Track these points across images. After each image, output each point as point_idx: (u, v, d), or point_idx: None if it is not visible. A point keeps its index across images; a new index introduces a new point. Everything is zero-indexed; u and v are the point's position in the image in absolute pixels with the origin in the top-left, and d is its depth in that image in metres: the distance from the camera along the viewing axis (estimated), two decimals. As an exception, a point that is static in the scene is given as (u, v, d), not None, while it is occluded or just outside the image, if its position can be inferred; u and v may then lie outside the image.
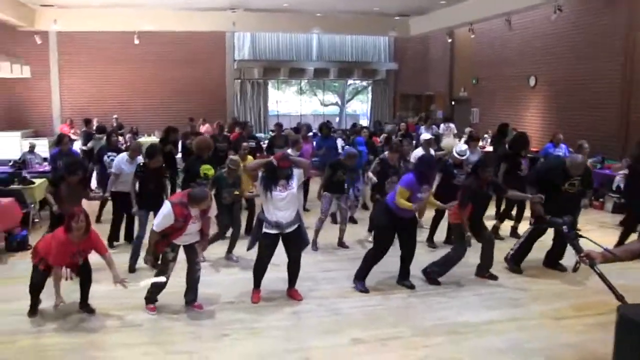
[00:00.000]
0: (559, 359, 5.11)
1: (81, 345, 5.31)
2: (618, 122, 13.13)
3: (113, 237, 8.66)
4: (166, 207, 5.78)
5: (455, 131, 15.88)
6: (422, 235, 8.62)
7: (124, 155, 8.59)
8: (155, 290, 6.09)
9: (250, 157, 8.98)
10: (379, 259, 6.84)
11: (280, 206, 6.11)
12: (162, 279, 5.98)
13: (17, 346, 5.28)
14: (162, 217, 5.76)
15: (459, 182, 8.37)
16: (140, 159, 8.34)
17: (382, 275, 7.07)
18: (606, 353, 5.06)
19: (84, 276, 6.02)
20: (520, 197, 7.73)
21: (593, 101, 13.82)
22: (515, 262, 7.62)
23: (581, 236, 4.38)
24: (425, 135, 9.89)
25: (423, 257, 7.61)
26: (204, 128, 17.17)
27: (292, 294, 6.57)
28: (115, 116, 17.96)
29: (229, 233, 8.19)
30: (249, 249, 6.53)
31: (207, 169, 8.23)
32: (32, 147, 12.55)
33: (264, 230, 6.20)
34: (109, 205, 9.23)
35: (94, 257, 6.01)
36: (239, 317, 5.99)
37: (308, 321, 5.94)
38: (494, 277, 7.23)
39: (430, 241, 8.74)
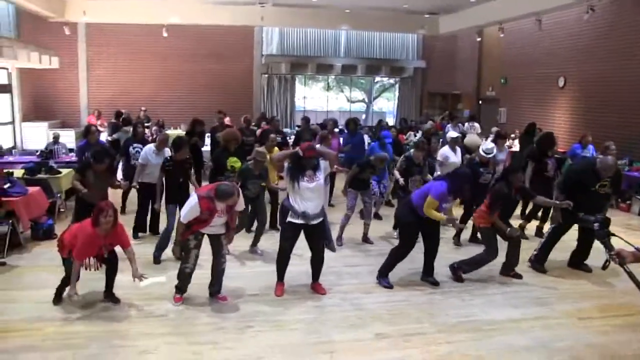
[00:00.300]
0: (584, 358, 5.08)
1: (105, 334, 5.38)
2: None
3: (138, 228, 8.75)
4: (193, 199, 5.82)
5: (480, 130, 15.78)
6: (446, 233, 8.61)
7: (151, 147, 8.65)
8: (183, 279, 6.12)
9: (277, 150, 9.03)
10: (404, 256, 6.85)
11: (307, 197, 6.12)
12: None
13: (43, 333, 5.36)
14: (189, 208, 5.81)
15: (485, 180, 8.34)
16: (167, 152, 8.41)
17: (406, 271, 7.08)
18: (632, 354, 5.07)
19: (110, 266, 6.09)
20: (549, 203, 7.68)
21: (622, 103, 13.63)
22: (539, 263, 7.59)
23: (613, 234, 4.34)
24: (452, 134, 9.84)
25: (448, 254, 7.61)
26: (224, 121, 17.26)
27: (315, 287, 6.60)
28: (143, 108, 18.12)
29: (253, 227, 8.25)
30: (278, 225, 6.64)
31: (234, 162, 8.27)
32: (56, 138, 12.67)
33: (289, 219, 6.22)
34: (133, 196, 9.34)
35: (119, 248, 6.09)
36: (262, 310, 6.03)
37: (332, 315, 5.96)
38: (519, 276, 7.20)
39: (456, 238, 8.71)
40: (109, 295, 6.14)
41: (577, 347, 5.29)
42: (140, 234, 8.75)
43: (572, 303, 6.45)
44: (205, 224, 5.89)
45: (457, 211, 9.22)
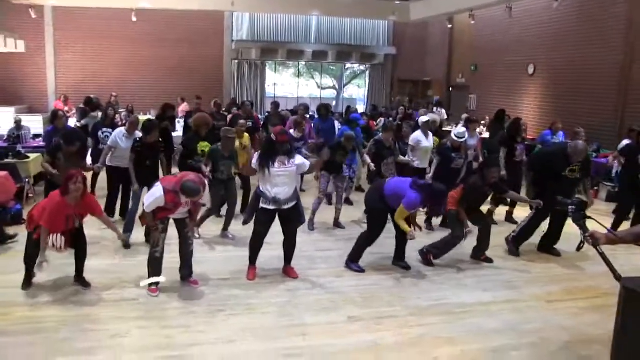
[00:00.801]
0: (553, 340, 5.14)
1: (75, 318, 5.31)
2: (615, 111, 13.15)
3: (108, 211, 8.63)
4: (158, 191, 5.69)
5: (445, 116, 15.91)
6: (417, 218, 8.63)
7: (121, 130, 8.51)
8: (155, 264, 6.00)
9: (246, 135, 8.96)
10: (373, 241, 6.86)
11: (278, 182, 6.09)
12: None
13: (13, 317, 5.27)
14: (154, 199, 5.69)
15: (457, 165, 8.39)
16: (138, 135, 8.31)
17: (377, 256, 7.08)
18: (599, 334, 5.17)
19: (80, 249, 5.99)
20: (520, 199, 7.77)
21: (590, 90, 13.84)
22: (515, 245, 7.66)
23: (589, 217, 4.41)
24: (424, 118, 9.88)
25: (420, 238, 7.60)
26: (181, 107, 17.13)
27: (288, 271, 6.58)
28: (114, 94, 17.83)
29: (223, 211, 8.18)
30: (245, 222, 6.54)
31: (204, 146, 8.20)
32: (17, 123, 12.34)
33: (261, 205, 6.18)
34: (102, 180, 9.22)
35: (88, 231, 6.00)
36: (234, 294, 6.00)
37: (304, 299, 5.94)
38: (489, 260, 7.27)
39: (428, 223, 8.74)
40: (79, 279, 6.04)
41: (547, 329, 5.35)
42: (110, 218, 8.61)
43: (541, 286, 6.53)
44: (169, 212, 5.82)
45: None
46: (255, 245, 6.44)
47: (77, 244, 5.96)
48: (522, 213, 9.09)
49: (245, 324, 5.29)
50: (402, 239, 6.93)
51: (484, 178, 7.09)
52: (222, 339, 4.97)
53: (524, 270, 7.09)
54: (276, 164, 6.07)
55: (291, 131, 9.29)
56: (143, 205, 5.92)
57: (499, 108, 13.23)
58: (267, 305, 5.72)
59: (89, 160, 9.96)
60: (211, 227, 7.98)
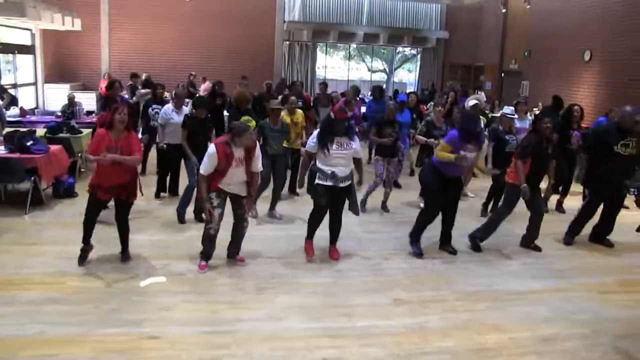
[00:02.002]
0: (605, 332, 5.02)
1: (124, 290, 5.44)
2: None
3: (160, 188, 8.79)
4: (210, 148, 5.79)
5: (485, 98, 15.67)
6: (466, 202, 8.60)
7: (169, 106, 8.60)
8: (208, 242, 6.05)
9: (299, 112, 8.97)
10: (432, 219, 6.83)
11: (336, 163, 6.13)
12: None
13: (65, 287, 5.43)
14: (207, 157, 5.76)
15: (511, 149, 8.25)
16: (186, 110, 8.40)
17: (425, 240, 6.99)
18: (653, 329, 5.05)
19: (121, 225, 6.15)
20: (551, 173, 7.43)
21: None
22: (571, 235, 7.55)
23: None
24: (471, 102, 9.80)
25: (468, 224, 7.53)
26: (203, 86, 17.23)
27: (330, 252, 6.60)
28: (193, 73, 18.13)
29: (267, 192, 8.18)
30: (300, 187, 6.78)
31: (246, 119, 8.25)
32: (70, 99, 12.57)
33: (317, 181, 6.20)
34: (152, 158, 9.38)
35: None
36: (280, 272, 6.05)
37: (350, 280, 5.96)
38: (538, 249, 7.14)
39: (484, 209, 8.72)
40: (123, 252, 6.19)
41: (599, 321, 5.23)
42: (161, 194, 8.82)
43: (594, 277, 6.39)
44: (222, 177, 5.81)
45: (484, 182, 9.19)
46: (316, 219, 6.47)
47: (120, 224, 6.12)
48: (572, 203, 8.94)
49: (291, 302, 5.33)
50: (448, 222, 6.90)
51: (537, 131, 6.92)
52: (267, 317, 5.02)
53: (575, 259, 6.95)
54: (334, 145, 6.10)
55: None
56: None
57: (552, 95, 12.91)
58: (314, 285, 5.75)
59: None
60: (259, 205, 8.02)
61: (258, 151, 6.00)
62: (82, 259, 6.00)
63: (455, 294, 5.69)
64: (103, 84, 16.27)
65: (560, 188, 9.29)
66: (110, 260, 6.11)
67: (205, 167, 5.78)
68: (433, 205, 6.80)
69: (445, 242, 6.98)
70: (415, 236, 6.86)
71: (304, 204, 7.87)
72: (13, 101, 13.18)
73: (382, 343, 4.63)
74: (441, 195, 6.70)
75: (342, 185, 6.21)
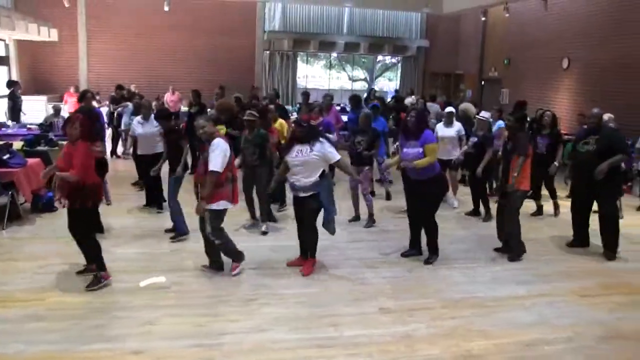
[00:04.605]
0: (587, 335, 5.06)
1: (107, 305, 5.37)
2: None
3: (150, 201, 8.77)
4: (218, 144, 5.80)
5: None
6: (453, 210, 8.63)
7: (137, 117, 8.56)
8: (232, 253, 6.16)
9: (281, 121, 8.96)
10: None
11: (294, 171, 6.13)
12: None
13: (45, 303, 5.34)
14: (219, 152, 5.76)
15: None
16: (153, 120, 8.33)
17: (404, 249, 7.02)
18: (634, 330, 5.10)
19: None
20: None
21: (627, 85, 13.54)
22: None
23: None
24: (448, 109, 9.93)
25: (453, 231, 7.57)
26: (172, 97, 17.25)
27: (301, 262, 6.50)
28: (132, 85, 17.89)
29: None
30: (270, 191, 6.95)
31: (220, 128, 8.23)
32: (57, 110, 12.50)
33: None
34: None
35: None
36: (265, 283, 6.02)
37: (336, 289, 5.94)
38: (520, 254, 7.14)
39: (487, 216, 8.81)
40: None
41: (580, 324, 5.28)
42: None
43: (575, 281, 6.43)
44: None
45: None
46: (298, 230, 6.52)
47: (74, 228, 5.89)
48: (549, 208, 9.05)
49: (277, 313, 5.30)
50: (413, 224, 6.92)
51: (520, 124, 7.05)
52: (253, 328, 4.98)
53: (556, 264, 6.99)
54: (294, 153, 6.10)
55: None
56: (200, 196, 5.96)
57: (532, 103, 13.06)
58: (299, 295, 5.73)
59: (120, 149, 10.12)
60: (243, 215, 8.00)
61: (213, 146, 5.87)
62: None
63: (440, 302, 5.69)
64: (69, 97, 16.14)
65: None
66: (90, 275, 5.98)
67: (221, 164, 5.77)
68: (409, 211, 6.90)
69: (412, 247, 7.00)
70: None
71: (290, 214, 7.90)
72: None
73: (370, 352, 4.62)
74: (408, 197, 6.82)
75: (302, 195, 6.17)
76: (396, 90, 22.69)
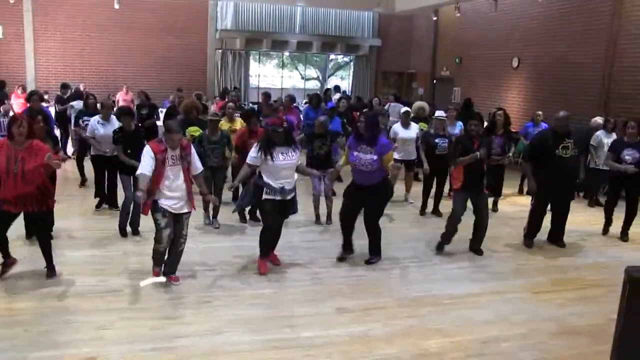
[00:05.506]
0: (542, 330, 5.15)
1: (56, 310, 5.21)
2: (598, 105, 13.17)
3: (102, 200, 8.72)
4: (145, 148, 5.68)
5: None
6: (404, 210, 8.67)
7: (96, 117, 8.38)
8: (158, 257, 5.98)
9: (240, 120, 8.89)
10: (342, 225, 6.89)
11: (283, 174, 6.09)
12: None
13: (-9, 309, 5.18)
14: (143, 157, 5.59)
15: (441, 151, 8.51)
16: (114, 121, 8.17)
17: (363, 247, 6.96)
18: (585, 325, 5.25)
19: (41, 242, 5.97)
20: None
21: (574, 84, 13.87)
22: (529, 238, 7.73)
23: None
24: (403, 109, 9.99)
25: (408, 230, 7.61)
26: (126, 96, 17.08)
27: (272, 257, 6.54)
28: (82, 85, 17.55)
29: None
30: (235, 211, 6.73)
31: (194, 131, 8.15)
32: (6, 111, 12.17)
33: (265, 197, 6.13)
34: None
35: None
36: (220, 284, 5.95)
37: (291, 290, 5.91)
38: (480, 252, 7.24)
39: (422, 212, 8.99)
40: (47, 267, 5.94)
41: (534, 320, 5.36)
42: (103, 206, 8.71)
43: (528, 278, 6.55)
44: (161, 176, 5.60)
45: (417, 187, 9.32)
46: (268, 237, 6.35)
47: (38, 233, 5.97)
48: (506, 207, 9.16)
49: (232, 315, 5.24)
50: (367, 230, 6.83)
51: (466, 131, 7.15)
52: (209, 331, 4.91)
53: (510, 261, 7.11)
54: (280, 156, 6.05)
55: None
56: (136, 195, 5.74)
57: (483, 101, 13.28)
58: (254, 297, 5.68)
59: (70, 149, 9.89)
60: (197, 216, 7.88)
61: (194, 150, 5.93)
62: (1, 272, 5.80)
63: (396, 301, 5.71)
64: (16, 99, 15.67)
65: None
66: (38, 279, 5.84)
67: (144, 166, 5.54)
68: (341, 210, 6.84)
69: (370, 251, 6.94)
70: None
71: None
72: None
73: (329, 353, 4.60)
74: (348, 201, 6.71)
75: (289, 197, 6.22)
76: (348, 95, 22.59)
